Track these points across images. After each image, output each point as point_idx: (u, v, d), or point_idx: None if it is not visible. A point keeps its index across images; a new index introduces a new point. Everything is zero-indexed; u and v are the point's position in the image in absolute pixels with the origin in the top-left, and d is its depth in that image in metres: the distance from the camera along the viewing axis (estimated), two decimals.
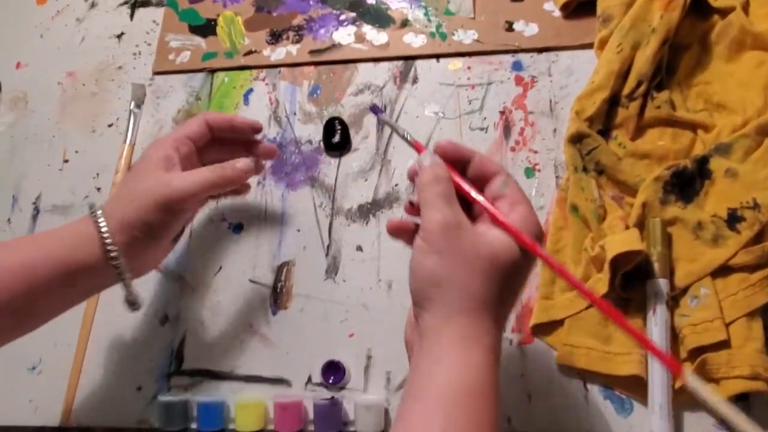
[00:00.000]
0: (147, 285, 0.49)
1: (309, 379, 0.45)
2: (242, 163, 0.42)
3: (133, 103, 0.56)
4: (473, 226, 0.32)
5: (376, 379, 0.44)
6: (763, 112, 0.43)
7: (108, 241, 0.38)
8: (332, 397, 0.43)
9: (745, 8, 0.46)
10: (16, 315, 0.37)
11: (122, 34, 0.61)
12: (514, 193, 0.32)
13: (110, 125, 0.57)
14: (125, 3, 0.62)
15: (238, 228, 0.50)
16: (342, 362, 0.44)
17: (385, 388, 0.44)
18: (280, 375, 0.45)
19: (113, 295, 0.49)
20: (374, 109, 0.49)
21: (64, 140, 0.57)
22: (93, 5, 0.63)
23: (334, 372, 0.44)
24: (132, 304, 0.41)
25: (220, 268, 0.49)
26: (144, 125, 0.56)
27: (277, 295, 0.48)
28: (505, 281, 0.30)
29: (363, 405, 0.42)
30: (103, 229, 0.38)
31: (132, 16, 0.61)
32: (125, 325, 0.48)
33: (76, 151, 0.56)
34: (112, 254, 0.38)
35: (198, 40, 0.58)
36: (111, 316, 0.49)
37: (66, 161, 0.56)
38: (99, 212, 0.39)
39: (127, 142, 0.55)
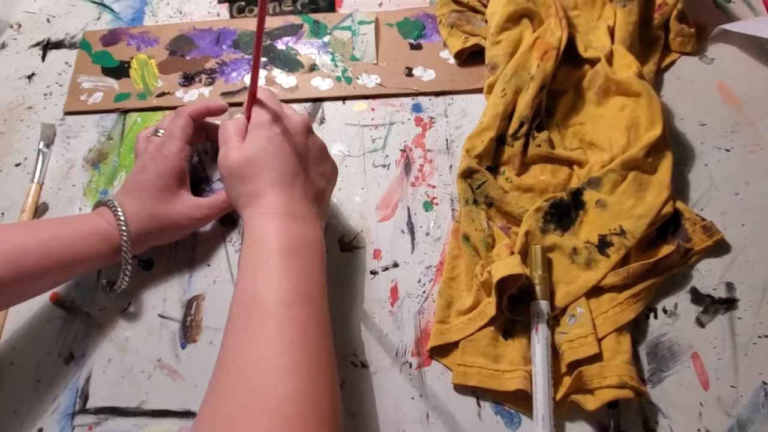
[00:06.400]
0: (52, 324, 0.49)
1: None
2: None
3: (42, 143, 0.56)
4: (236, 150, 0.42)
5: None
6: (627, 149, 0.49)
7: (125, 248, 0.46)
8: None
9: (609, 59, 0.52)
10: (33, 286, 0.44)
11: (33, 74, 0.61)
12: None
13: (18, 164, 0.56)
14: (37, 45, 0.63)
15: (148, 264, 0.51)
16: None
17: None
18: (188, 408, 0.46)
19: (14, 337, 0.49)
20: None
21: None
22: (3, 46, 0.63)
23: None
24: (112, 286, 0.48)
25: (129, 304, 0.50)
26: (53, 164, 0.56)
27: (186, 329, 0.48)
28: (261, 170, 0.41)
29: None
30: (124, 237, 0.45)
31: (44, 57, 0.62)
32: (27, 366, 0.48)
33: None
34: (125, 256, 0.46)
35: (111, 81, 0.59)
36: (12, 358, 0.48)
37: None
38: (124, 227, 0.45)
39: (35, 180, 0.55)
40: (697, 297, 0.46)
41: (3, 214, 0.54)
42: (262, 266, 0.38)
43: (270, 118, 0.42)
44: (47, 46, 0.63)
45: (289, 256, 0.39)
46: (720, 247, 0.47)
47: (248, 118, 0.44)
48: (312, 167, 0.43)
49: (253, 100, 0.44)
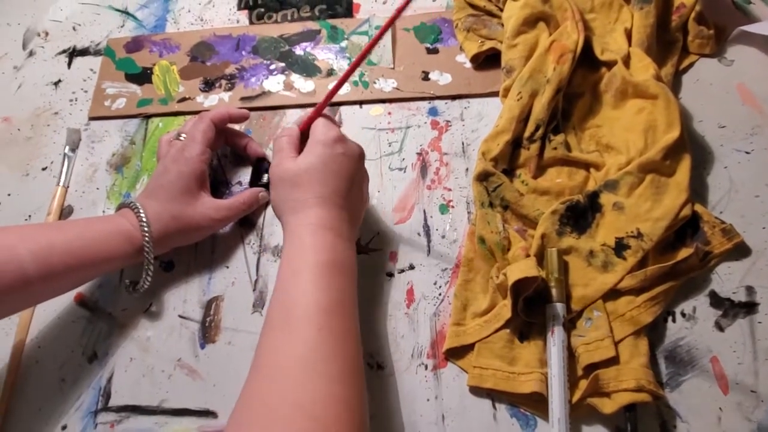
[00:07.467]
0: (76, 324, 0.50)
1: None
2: (263, 194, 0.53)
3: (67, 147, 0.58)
4: (291, 160, 0.44)
5: None
6: (644, 152, 0.48)
7: (148, 249, 0.46)
8: None
9: (626, 62, 0.52)
10: (58, 284, 0.45)
11: (59, 81, 0.63)
12: None
13: (44, 168, 0.58)
14: (63, 52, 0.65)
15: (169, 266, 0.52)
16: None
17: None
18: (207, 407, 0.46)
19: (39, 336, 0.50)
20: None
21: None
22: (31, 54, 0.65)
23: None
24: (134, 286, 0.49)
25: (151, 304, 0.51)
26: (78, 168, 0.58)
27: (205, 330, 0.49)
28: (315, 183, 0.42)
29: None
30: (146, 238, 0.46)
31: (70, 64, 0.64)
32: (52, 365, 0.49)
33: (9, 194, 0.57)
34: (148, 256, 0.47)
35: (134, 87, 0.61)
36: (38, 357, 0.49)
37: None
38: (146, 228, 0.46)
39: (61, 184, 0.56)
40: (716, 300, 0.45)
41: (30, 216, 0.56)
42: (305, 275, 0.39)
43: (335, 137, 0.44)
44: (73, 54, 0.64)
45: (333, 269, 0.40)
46: (740, 251, 0.47)
47: (302, 129, 0.46)
48: (356, 193, 0.45)
49: (318, 114, 0.45)
